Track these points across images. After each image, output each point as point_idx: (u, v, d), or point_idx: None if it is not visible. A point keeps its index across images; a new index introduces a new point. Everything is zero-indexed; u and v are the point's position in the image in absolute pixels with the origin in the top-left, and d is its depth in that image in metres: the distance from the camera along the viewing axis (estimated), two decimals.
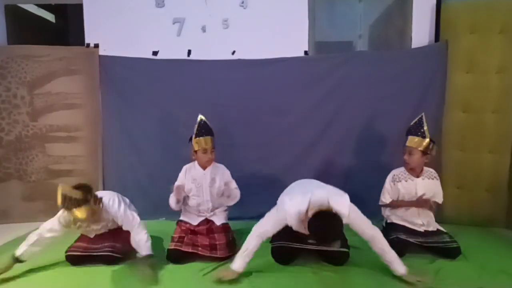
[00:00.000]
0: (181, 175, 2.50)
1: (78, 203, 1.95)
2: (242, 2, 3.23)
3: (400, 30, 3.36)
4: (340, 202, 1.92)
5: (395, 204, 2.48)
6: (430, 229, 2.43)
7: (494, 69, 2.91)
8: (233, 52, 3.28)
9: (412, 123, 2.47)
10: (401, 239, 2.32)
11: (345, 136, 3.19)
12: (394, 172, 2.52)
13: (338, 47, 3.83)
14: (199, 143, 2.40)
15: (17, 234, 2.83)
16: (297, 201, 1.95)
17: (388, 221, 2.52)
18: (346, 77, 3.16)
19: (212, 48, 3.25)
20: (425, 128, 2.38)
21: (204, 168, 2.47)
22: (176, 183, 2.40)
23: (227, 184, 2.47)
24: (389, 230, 2.43)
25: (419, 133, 2.38)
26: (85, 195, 1.99)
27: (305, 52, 3.27)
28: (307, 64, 3.22)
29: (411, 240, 2.35)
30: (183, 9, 3.25)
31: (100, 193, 2.25)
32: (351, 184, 3.20)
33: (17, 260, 2.10)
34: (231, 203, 2.51)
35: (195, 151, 2.44)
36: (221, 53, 3.24)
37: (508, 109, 2.91)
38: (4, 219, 3.21)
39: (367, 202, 2.96)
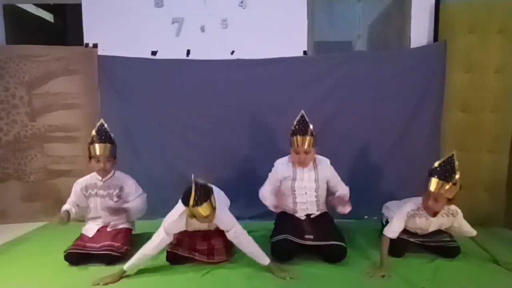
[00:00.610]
0: (175, 216, 2.19)
1: (109, 140, 2.30)
2: (241, 2, 3.23)
3: (399, 30, 3.36)
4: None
5: (384, 247, 2.20)
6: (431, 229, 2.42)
7: (492, 69, 2.92)
8: (232, 52, 3.28)
9: (438, 163, 2.08)
10: (401, 238, 2.31)
11: (345, 136, 3.19)
12: (411, 207, 2.24)
13: (337, 47, 3.84)
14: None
15: (15, 235, 2.83)
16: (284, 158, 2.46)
17: (389, 220, 2.51)
18: (345, 77, 3.16)
19: (211, 48, 3.25)
20: (456, 165, 2.01)
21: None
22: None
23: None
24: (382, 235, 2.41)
25: (447, 176, 2.01)
26: (114, 141, 2.33)
27: (304, 52, 3.27)
28: (306, 64, 3.22)
29: (411, 239, 2.35)
30: (182, 9, 3.25)
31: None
32: (351, 184, 3.20)
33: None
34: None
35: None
36: (220, 53, 3.24)
37: (506, 109, 2.92)
38: (3, 219, 3.20)
39: (367, 201, 3.00)
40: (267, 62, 3.19)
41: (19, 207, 3.25)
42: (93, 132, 2.41)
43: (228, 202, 2.47)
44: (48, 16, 5.06)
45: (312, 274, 2.11)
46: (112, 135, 2.45)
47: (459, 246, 2.31)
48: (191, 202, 1.87)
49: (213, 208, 1.96)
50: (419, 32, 3.19)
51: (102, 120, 2.47)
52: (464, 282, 1.98)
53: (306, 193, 2.45)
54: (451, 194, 2.03)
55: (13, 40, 3.59)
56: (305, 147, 2.38)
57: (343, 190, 2.50)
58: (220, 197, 2.28)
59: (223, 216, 2.16)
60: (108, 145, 2.41)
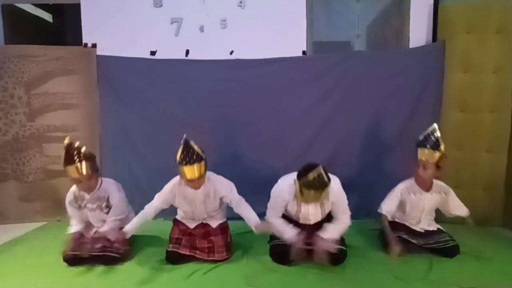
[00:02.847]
0: (167, 189, 2.30)
1: (83, 157, 2.13)
2: (240, 2, 3.23)
3: (398, 30, 3.37)
4: (330, 177, 2.05)
5: (387, 231, 2.30)
6: (431, 229, 2.44)
7: (491, 69, 2.93)
8: (231, 52, 3.28)
9: (423, 135, 2.34)
10: (402, 238, 2.32)
11: (343, 136, 3.19)
12: (403, 185, 2.40)
13: (336, 47, 3.84)
14: (188, 173, 2.09)
15: (14, 235, 2.83)
16: (287, 178, 2.19)
17: (389, 219, 2.52)
18: (344, 77, 3.17)
19: (210, 48, 3.25)
20: (437, 135, 2.27)
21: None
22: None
23: (222, 198, 2.32)
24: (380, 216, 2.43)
25: (432, 144, 2.26)
26: (91, 154, 2.18)
27: (303, 52, 3.27)
28: (305, 64, 3.22)
29: (412, 241, 2.35)
30: (181, 9, 3.25)
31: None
32: (351, 184, 3.21)
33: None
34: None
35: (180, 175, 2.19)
36: (219, 53, 3.24)
37: (504, 109, 2.93)
38: (1, 219, 3.20)
39: (366, 201, 3.00)
40: (266, 62, 3.19)
41: (18, 207, 3.24)
42: (64, 154, 2.17)
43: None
44: (47, 16, 5.06)
45: (312, 274, 2.11)
46: (83, 149, 2.20)
47: (458, 245, 2.32)
48: (178, 158, 1.94)
49: (201, 175, 2.02)
50: (418, 32, 3.20)
51: (67, 139, 2.20)
52: (463, 281, 1.99)
53: (311, 219, 2.31)
54: (436, 159, 2.24)
55: (11, 40, 3.59)
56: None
57: (339, 223, 2.23)
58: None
59: (222, 180, 2.29)
60: (84, 163, 2.19)
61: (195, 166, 2.02)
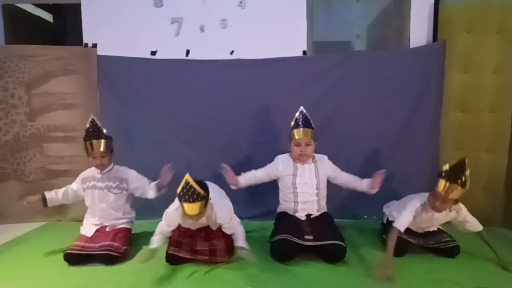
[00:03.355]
0: (171, 210, 2.26)
1: (102, 135, 2.27)
2: (241, 2, 3.23)
3: (398, 30, 3.37)
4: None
5: (391, 245, 2.16)
6: (431, 229, 2.43)
7: (491, 69, 2.93)
8: (232, 52, 3.28)
9: (450, 166, 2.08)
10: (402, 238, 2.32)
11: (344, 136, 3.19)
12: (419, 202, 2.26)
13: (336, 47, 3.84)
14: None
15: (14, 235, 2.83)
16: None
17: (390, 218, 2.51)
18: (344, 77, 3.17)
19: (211, 48, 3.25)
20: (467, 173, 2.03)
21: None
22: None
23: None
24: (391, 228, 2.43)
25: (459, 181, 2.02)
26: (109, 135, 2.30)
27: (304, 52, 3.27)
28: (305, 64, 3.22)
29: (412, 241, 2.35)
30: (181, 8, 3.25)
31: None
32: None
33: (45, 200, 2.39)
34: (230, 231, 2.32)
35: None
36: (220, 53, 3.24)
37: (504, 109, 2.93)
38: (2, 219, 3.20)
39: (367, 201, 3.00)
40: (266, 62, 3.19)
41: (18, 207, 3.21)
42: (86, 129, 2.42)
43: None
44: (47, 16, 5.06)
45: (312, 274, 2.11)
46: (105, 130, 2.45)
47: (458, 245, 2.32)
48: (178, 192, 1.96)
49: (200, 212, 1.98)
50: (418, 32, 3.19)
51: (92, 116, 2.45)
52: (464, 281, 1.99)
53: (307, 191, 2.45)
54: (459, 196, 2.05)
55: (12, 40, 3.59)
56: (306, 138, 2.43)
57: (349, 177, 2.58)
58: (216, 191, 2.34)
59: (222, 209, 2.22)
60: (102, 140, 2.40)
61: (195, 204, 1.97)
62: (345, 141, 3.21)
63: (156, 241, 2.21)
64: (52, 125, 3.25)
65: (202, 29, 3.27)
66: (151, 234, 2.25)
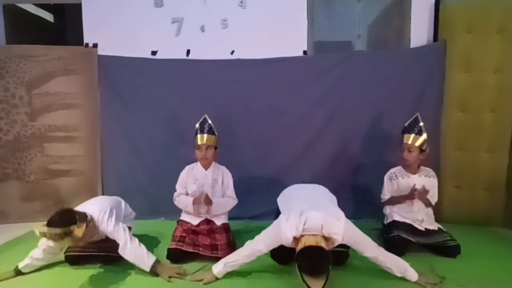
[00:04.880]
0: (182, 174, 2.51)
1: (61, 237, 1.82)
2: (241, 2, 3.23)
3: (399, 30, 3.37)
4: (334, 227, 1.86)
5: (395, 200, 2.52)
6: (432, 227, 2.44)
7: (491, 69, 2.92)
8: (232, 52, 3.28)
9: (407, 122, 2.53)
10: (402, 237, 2.32)
11: (344, 136, 3.19)
12: (391, 170, 2.59)
13: (336, 47, 3.84)
14: (199, 140, 2.46)
15: (15, 235, 2.83)
16: (292, 224, 1.89)
17: (390, 218, 2.52)
18: (344, 76, 3.17)
19: (211, 47, 3.26)
20: (421, 124, 2.46)
21: (205, 168, 2.48)
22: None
23: (224, 187, 2.50)
24: (391, 228, 2.44)
25: (416, 131, 2.46)
26: (65, 227, 1.81)
27: (304, 52, 3.27)
28: (306, 63, 3.22)
29: (412, 239, 2.36)
30: (182, 8, 3.25)
31: (90, 207, 2.12)
32: (351, 183, 3.22)
33: (20, 272, 2.09)
34: (223, 210, 2.46)
35: (195, 148, 2.49)
36: (220, 53, 3.24)
37: (505, 109, 2.92)
38: (3, 219, 3.20)
39: (367, 201, 3.00)
40: (267, 62, 3.19)
41: (19, 207, 3.24)
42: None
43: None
44: (48, 16, 5.07)
45: None
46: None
47: (459, 245, 2.32)
48: (196, 128, 2.39)
49: (209, 145, 2.39)
50: (419, 32, 3.19)
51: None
52: (464, 281, 1.98)
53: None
54: (419, 142, 2.43)
55: (13, 40, 3.60)
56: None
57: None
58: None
59: (228, 171, 2.48)
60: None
61: (206, 135, 2.40)
62: (345, 141, 3.21)
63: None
64: (52, 125, 3.25)
65: (202, 29, 3.27)
66: (151, 234, 2.25)
